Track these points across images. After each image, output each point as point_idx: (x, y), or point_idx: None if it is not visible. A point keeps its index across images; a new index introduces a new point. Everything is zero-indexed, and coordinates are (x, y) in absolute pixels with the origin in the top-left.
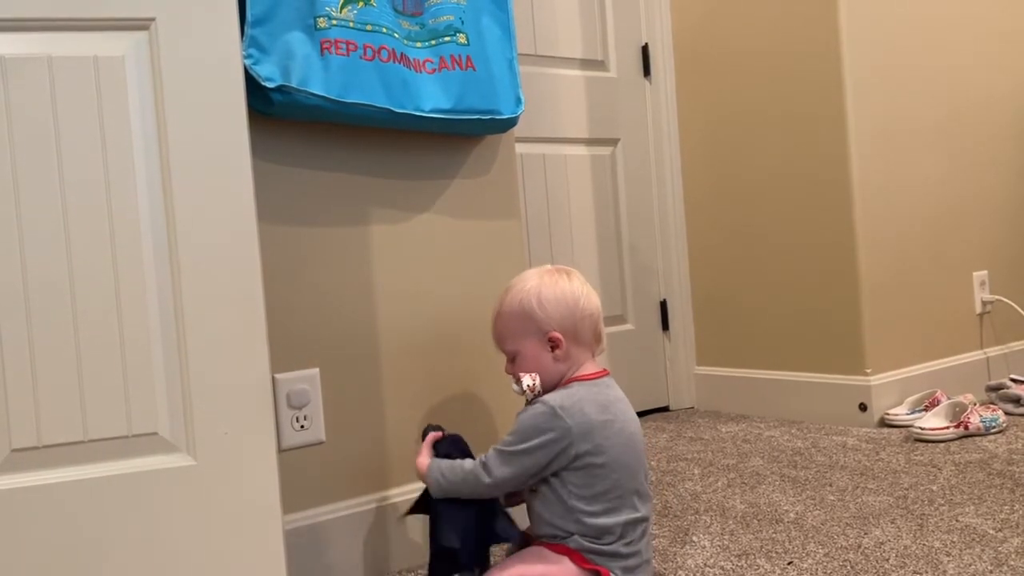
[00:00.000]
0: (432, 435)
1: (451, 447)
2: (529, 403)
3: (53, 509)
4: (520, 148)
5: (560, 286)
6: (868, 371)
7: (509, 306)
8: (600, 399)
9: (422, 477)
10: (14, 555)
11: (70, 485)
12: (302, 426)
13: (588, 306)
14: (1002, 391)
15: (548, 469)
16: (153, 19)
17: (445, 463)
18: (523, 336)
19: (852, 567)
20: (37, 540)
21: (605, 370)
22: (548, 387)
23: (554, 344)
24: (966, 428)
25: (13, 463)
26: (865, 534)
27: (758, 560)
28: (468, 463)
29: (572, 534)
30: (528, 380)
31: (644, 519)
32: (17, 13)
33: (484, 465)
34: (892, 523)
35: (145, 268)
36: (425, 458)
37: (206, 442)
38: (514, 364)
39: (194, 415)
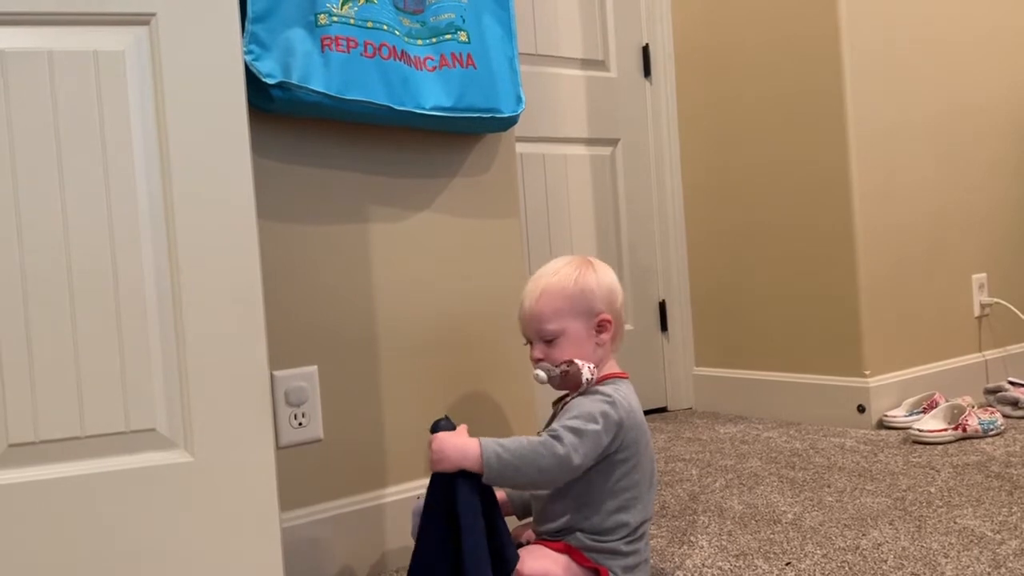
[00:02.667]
0: (464, 428)
1: None
2: (582, 393)
3: (50, 505)
4: (520, 147)
5: (607, 272)
6: (867, 373)
7: (561, 284)
8: (633, 400)
9: (467, 454)
10: (10, 551)
11: (67, 481)
12: (300, 423)
13: (622, 297)
14: (1000, 393)
15: (599, 457)
16: (154, 14)
17: (502, 439)
18: (571, 316)
19: (850, 568)
20: (33, 536)
21: (626, 373)
22: (579, 377)
23: (602, 327)
24: (964, 430)
25: (10, 458)
26: (863, 535)
27: (756, 561)
28: (535, 439)
29: (575, 531)
30: (588, 373)
31: (648, 520)
32: (17, 7)
33: (557, 438)
34: (890, 524)
35: (144, 264)
36: (468, 437)
37: (204, 439)
38: (552, 347)
39: (192, 411)
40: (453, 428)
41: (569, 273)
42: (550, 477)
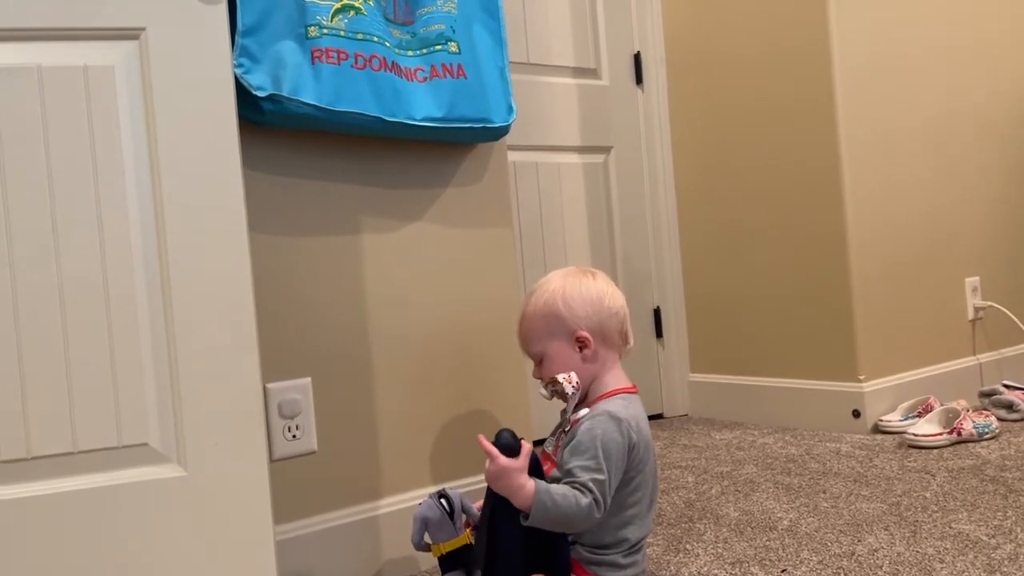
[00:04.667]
0: (528, 449)
1: (534, 469)
2: (591, 415)
3: (43, 521)
4: (513, 156)
5: (585, 284)
6: (861, 378)
7: (534, 307)
8: (641, 417)
9: (518, 494)
10: (4, 568)
11: (60, 497)
12: (294, 436)
13: (613, 304)
14: (995, 397)
15: None
16: (144, 29)
17: (556, 490)
18: (549, 337)
19: (846, 574)
20: (27, 553)
21: (635, 386)
22: (564, 394)
23: (582, 344)
24: (959, 434)
25: (2, 475)
26: (859, 541)
27: (752, 568)
28: (581, 497)
29: (575, 544)
30: (570, 387)
31: (647, 534)
32: (7, 23)
33: (596, 502)
34: (885, 530)
35: (135, 278)
36: (527, 477)
37: (197, 452)
38: (541, 366)
39: (184, 425)
40: (516, 444)
41: (541, 295)
42: (572, 529)
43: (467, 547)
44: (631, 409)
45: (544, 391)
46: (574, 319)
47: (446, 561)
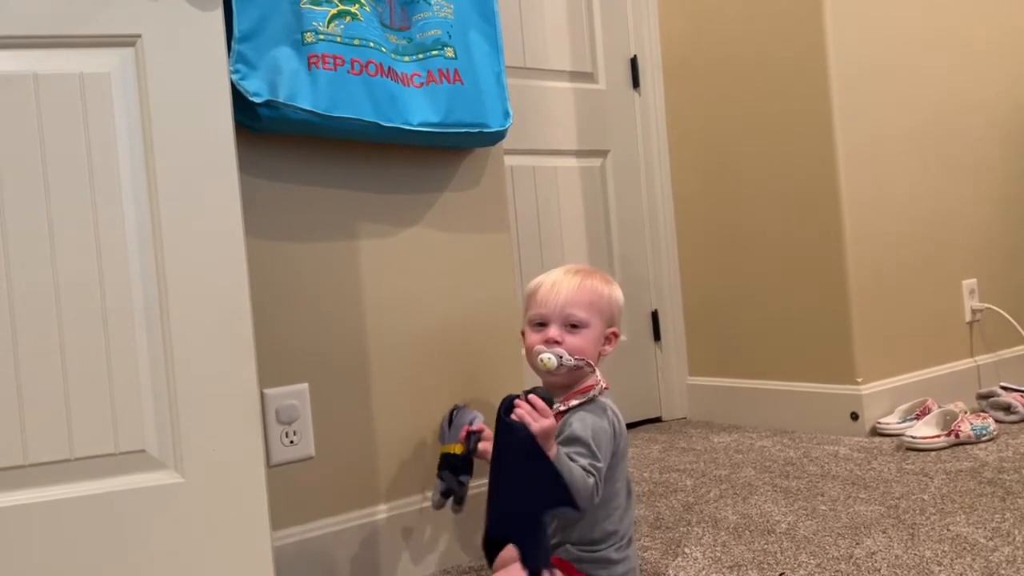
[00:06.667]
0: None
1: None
2: (584, 404)
3: (40, 529)
4: (510, 160)
5: (617, 286)
6: (859, 380)
7: (599, 285)
8: (617, 407)
9: (544, 440)
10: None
11: (57, 503)
12: (291, 441)
13: None
14: (993, 399)
15: None
16: (139, 36)
17: (573, 464)
18: (599, 316)
19: None
20: (24, 560)
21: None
22: (590, 385)
23: (609, 340)
24: (957, 436)
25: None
26: (857, 544)
27: (750, 572)
28: (587, 477)
29: (565, 544)
30: (598, 390)
31: (632, 525)
32: (2, 31)
33: (596, 485)
34: (884, 533)
35: (132, 284)
36: (553, 440)
37: (194, 459)
38: (574, 334)
39: (181, 432)
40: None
41: (603, 281)
42: (575, 499)
43: (455, 455)
44: (609, 401)
45: (554, 358)
46: (617, 316)
47: (443, 463)
